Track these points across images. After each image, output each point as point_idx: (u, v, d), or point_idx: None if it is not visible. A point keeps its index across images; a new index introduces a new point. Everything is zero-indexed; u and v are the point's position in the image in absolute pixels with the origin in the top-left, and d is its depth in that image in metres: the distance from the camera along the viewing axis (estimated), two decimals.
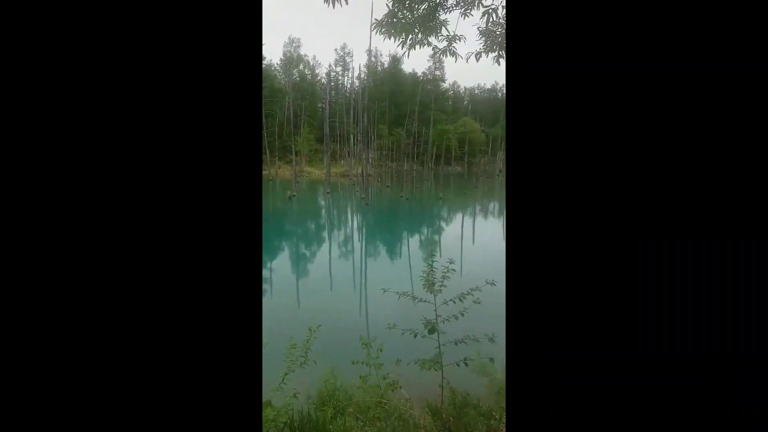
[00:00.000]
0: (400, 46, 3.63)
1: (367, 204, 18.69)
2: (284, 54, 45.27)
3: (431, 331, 2.81)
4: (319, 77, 48.75)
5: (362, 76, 39.21)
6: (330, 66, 54.34)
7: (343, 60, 50.10)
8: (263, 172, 26.42)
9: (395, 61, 48.78)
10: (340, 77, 50.13)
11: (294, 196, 20.62)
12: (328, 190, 23.21)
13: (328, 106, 32.04)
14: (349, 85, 48.68)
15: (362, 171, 29.48)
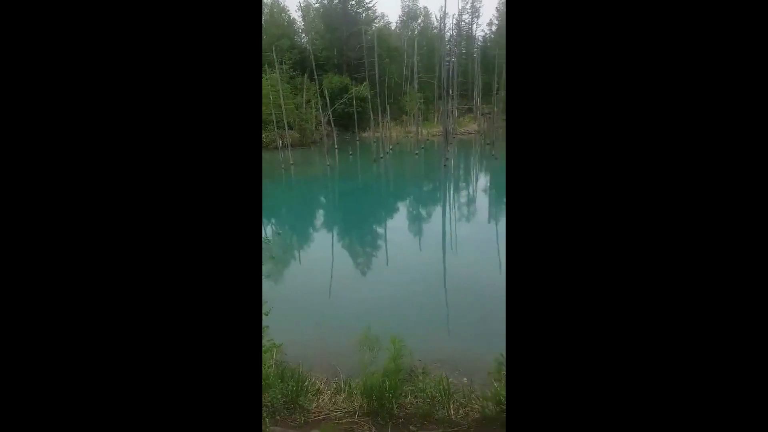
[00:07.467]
0: None
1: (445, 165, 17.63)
2: (402, 9, 41.71)
3: None
4: (447, 30, 38.34)
5: (493, 22, 35.98)
6: (454, 15, 45.56)
7: (471, 6, 42.40)
8: (365, 134, 26.71)
9: None
10: (467, 26, 42.46)
11: (382, 157, 19.96)
12: (416, 151, 22.09)
13: (443, 62, 27.47)
14: (479, 34, 42.96)
15: (479, 127, 28.71)
